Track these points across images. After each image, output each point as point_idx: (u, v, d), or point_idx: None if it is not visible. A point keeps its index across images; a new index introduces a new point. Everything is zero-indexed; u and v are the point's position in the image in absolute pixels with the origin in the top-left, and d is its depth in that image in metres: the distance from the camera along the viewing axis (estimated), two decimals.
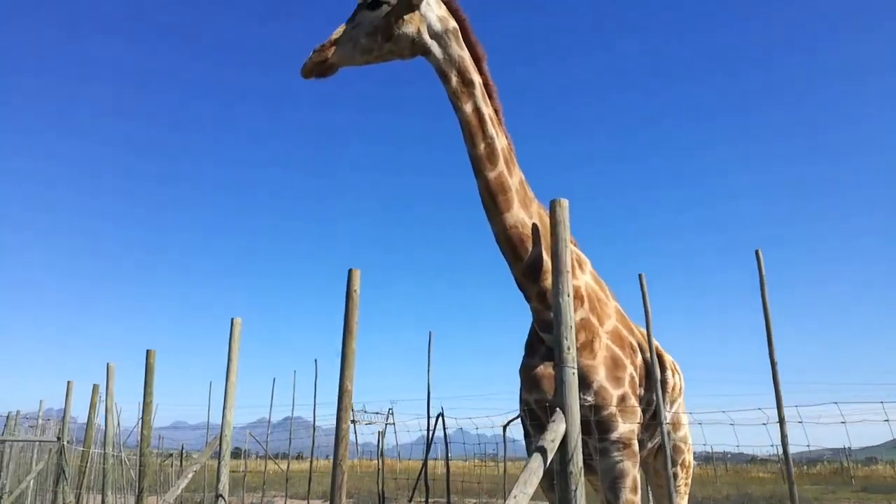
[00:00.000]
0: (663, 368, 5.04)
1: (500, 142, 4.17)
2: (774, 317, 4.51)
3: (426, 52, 4.13)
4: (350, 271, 5.82)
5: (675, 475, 5.35)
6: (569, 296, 3.84)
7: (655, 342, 5.13)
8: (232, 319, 7.60)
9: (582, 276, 4.41)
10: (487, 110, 4.15)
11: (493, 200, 4.09)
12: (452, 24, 4.19)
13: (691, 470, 5.51)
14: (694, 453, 5.71)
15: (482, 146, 4.09)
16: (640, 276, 4.34)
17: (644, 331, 5.06)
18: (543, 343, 4.35)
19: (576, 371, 3.75)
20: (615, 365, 4.30)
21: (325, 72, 4.10)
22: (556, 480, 3.94)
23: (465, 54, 4.17)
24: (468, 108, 4.10)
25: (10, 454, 22.45)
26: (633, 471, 4.18)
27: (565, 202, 3.99)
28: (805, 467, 44.98)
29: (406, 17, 4.07)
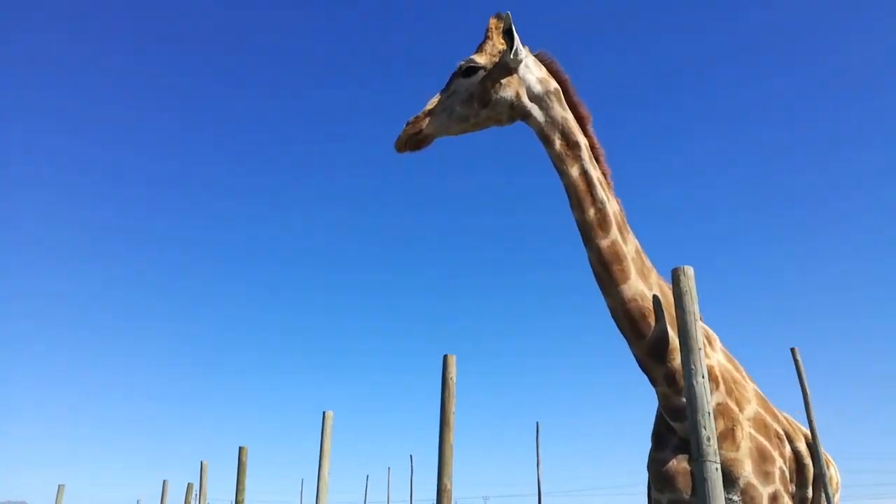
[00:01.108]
0: (816, 460, 4.31)
1: (612, 206, 3.83)
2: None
3: (526, 115, 3.92)
4: (445, 357, 5.48)
5: None
6: (703, 377, 3.33)
7: (804, 428, 4.45)
8: (324, 413, 7.34)
9: (714, 355, 3.87)
10: (595, 173, 3.85)
11: (607, 271, 3.69)
12: (553, 85, 3.98)
13: None
14: None
15: (592, 212, 3.76)
16: (792, 350, 3.76)
17: (788, 416, 4.38)
18: (674, 433, 3.79)
19: (719, 466, 3.19)
20: (762, 457, 3.68)
21: (420, 143, 3.97)
22: None
23: (569, 115, 3.93)
24: (574, 171, 3.82)
25: None
26: None
27: (690, 270, 3.55)
28: None
29: (504, 81, 3.90)
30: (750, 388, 4.04)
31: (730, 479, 3.53)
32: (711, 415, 3.26)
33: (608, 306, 3.74)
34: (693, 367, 3.35)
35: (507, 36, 3.99)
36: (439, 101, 3.99)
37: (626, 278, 3.67)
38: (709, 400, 3.29)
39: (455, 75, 4.03)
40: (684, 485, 3.58)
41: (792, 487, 3.92)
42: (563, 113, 3.91)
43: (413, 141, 3.95)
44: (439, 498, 4.98)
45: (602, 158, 3.96)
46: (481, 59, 4.00)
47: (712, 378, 3.68)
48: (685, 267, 3.55)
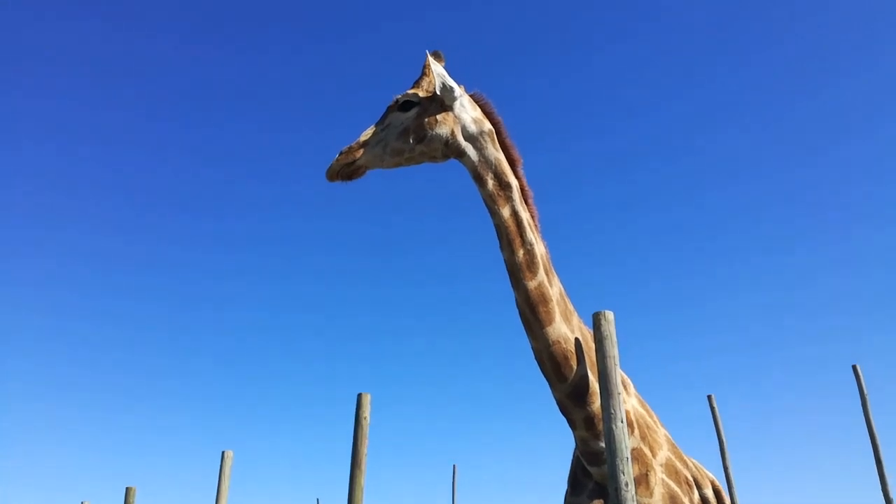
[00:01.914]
0: None
1: (540, 248, 3.87)
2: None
3: (460, 154, 3.93)
4: (359, 395, 5.33)
5: None
6: (622, 422, 3.37)
7: (710, 475, 4.57)
8: (223, 452, 6.99)
9: (629, 400, 3.93)
10: (525, 215, 3.89)
11: (533, 313, 3.70)
12: (488, 126, 4.01)
13: None
14: None
15: (521, 253, 3.78)
16: (709, 397, 3.86)
17: (696, 462, 4.50)
18: (590, 478, 3.80)
19: None
20: None
21: (353, 174, 3.93)
22: None
23: (502, 156, 3.97)
24: (505, 212, 3.84)
25: None
26: None
27: (611, 315, 3.62)
28: None
29: (439, 118, 3.91)
30: (661, 433, 4.13)
31: None
32: (630, 460, 3.29)
33: (532, 348, 3.74)
34: (612, 411, 3.38)
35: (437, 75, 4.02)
36: (374, 133, 3.97)
37: (551, 321, 3.69)
38: (627, 445, 3.33)
39: (391, 108, 4.02)
40: None
41: None
42: (496, 154, 3.95)
43: (346, 171, 3.91)
44: None
45: (531, 199, 4.00)
46: (418, 94, 4.02)
47: (628, 423, 3.73)
48: (606, 312, 3.61)
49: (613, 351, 3.53)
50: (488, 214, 3.89)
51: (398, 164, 4.00)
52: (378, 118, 4.07)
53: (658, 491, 3.70)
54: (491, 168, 3.91)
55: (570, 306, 3.91)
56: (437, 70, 4.03)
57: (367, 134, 3.99)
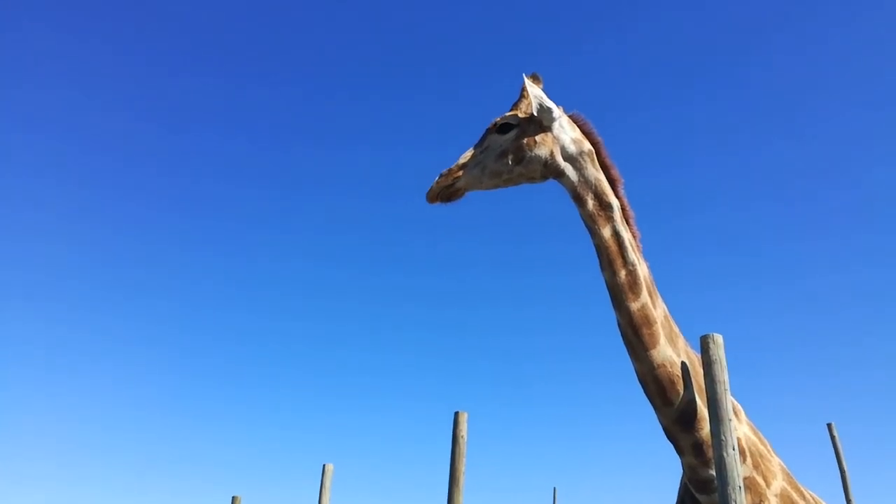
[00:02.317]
0: None
1: (642, 269, 3.81)
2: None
3: (559, 174, 3.95)
4: (456, 414, 5.39)
5: None
6: (734, 449, 3.27)
7: None
8: (324, 465, 7.21)
9: (740, 427, 3.78)
10: (627, 235, 3.85)
11: (636, 335, 3.65)
12: (587, 146, 4.01)
13: None
14: None
15: (623, 273, 3.74)
16: (829, 425, 3.69)
17: (814, 494, 4.28)
18: None
19: None
20: None
21: (452, 196, 4.00)
22: None
23: (601, 176, 3.96)
24: (606, 232, 3.82)
25: None
26: None
27: (720, 338, 3.52)
28: None
29: (538, 139, 3.94)
30: (776, 462, 3.96)
31: None
32: (742, 489, 3.18)
33: (636, 371, 3.69)
34: (723, 438, 3.28)
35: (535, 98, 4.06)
36: (473, 156, 4.03)
37: (655, 343, 3.63)
38: (739, 473, 3.22)
39: (489, 131, 4.08)
40: None
41: None
42: (596, 174, 3.94)
43: (445, 193, 3.98)
44: None
45: (632, 221, 3.96)
46: (517, 116, 4.06)
47: (739, 451, 3.60)
48: (714, 335, 3.52)
49: (723, 376, 3.43)
50: (589, 235, 3.88)
51: (496, 186, 4.05)
52: (476, 141, 4.13)
53: None
54: (591, 188, 3.90)
55: (676, 329, 3.82)
56: (535, 92, 4.05)
57: (465, 157, 4.05)
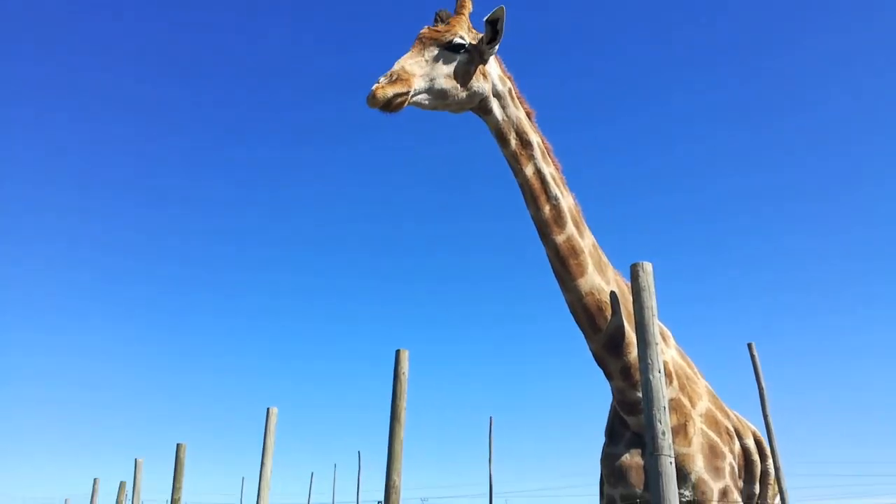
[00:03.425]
0: (763, 456, 4.40)
1: (567, 201, 3.83)
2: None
3: (487, 112, 3.83)
4: (398, 352, 5.40)
5: None
6: (660, 372, 3.35)
7: (751, 425, 4.52)
8: (267, 409, 7.16)
9: (668, 351, 3.90)
10: (549, 169, 3.84)
11: (564, 266, 3.68)
12: (509, 83, 3.93)
13: None
14: None
15: (547, 208, 3.74)
16: (749, 345, 3.82)
17: (738, 414, 4.46)
18: (628, 428, 3.80)
19: (673, 460, 3.21)
20: (713, 453, 3.72)
21: (399, 106, 3.59)
22: None
23: (522, 114, 3.89)
24: (529, 170, 3.78)
25: None
26: None
27: (649, 266, 3.56)
28: None
29: (483, 70, 3.79)
30: (701, 384, 4.10)
31: (682, 475, 3.55)
32: (667, 409, 3.27)
33: (566, 300, 3.73)
34: (650, 361, 3.36)
35: (490, 26, 3.76)
36: (422, 67, 3.64)
37: (582, 272, 3.67)
38: (664, 394, 3.31)
39: (438, 43, 3.70)
40: (637, 480, 3.60)
41: (740, 483, 3.99)
42: (517, 112, 3.86)
43: (394, 102, 3.52)
44: (387, 494, 4.88)
45: (551, 153, 3.93)
46: (467, 37, 3.76)
47: (666, 374, 3.71)
48: (644, 263, 3.56)
49: (651, 301, 3.49)
50: (512, 174, 3.84)
51: (435, 108, 3.77)
52: (410, 47, 3.73)
53: (697, 441, 3.68)
54: (513, 126, 3.82)
55: (605, 259, 3.87)
56: (492, 20, 3.74)
57: (414, 64, 3.63)
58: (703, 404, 3.92)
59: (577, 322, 3.73)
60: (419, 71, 3.62)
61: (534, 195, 3.76)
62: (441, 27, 3.76)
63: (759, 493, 4.29)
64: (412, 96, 3.55)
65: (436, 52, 3.69)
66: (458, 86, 3.70)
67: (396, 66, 3.57)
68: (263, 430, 7.07)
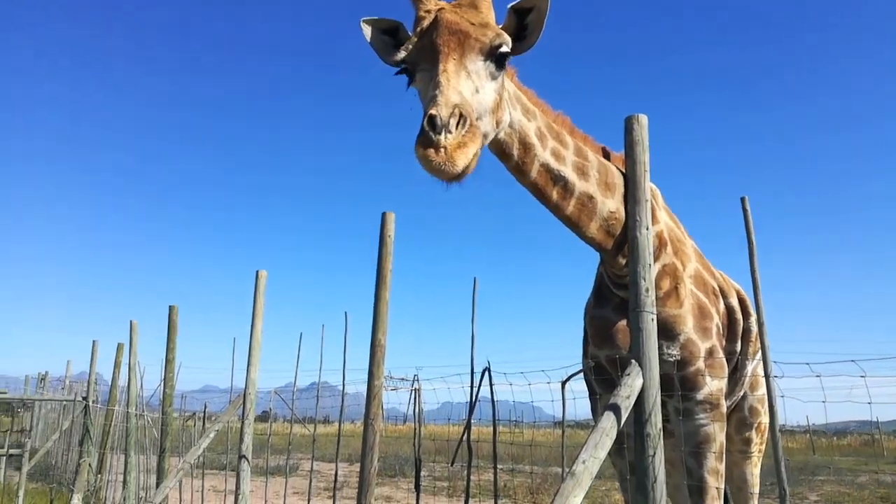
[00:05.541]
0: (746, 315, 4.43)
1: (568, 160, 3.33)
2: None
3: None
4: (384, 215, 5.31)
5: (750, 440, 4.78)
6: (648, 229, 3.26)
7: (735, 284, 4.54)
8: (257, 272, 7.18)
9: (660, 215, 3.77)
10: (549, 147, 3.26)
11: (576, 226, 3.40)
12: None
13: (766, 435, 4.93)
14: None
15: (555, 194, 3.31)
16: (742, 199, 3.71)
17: (722, 273, 4.45)
18: (615, 294, 3.76)
19: (655, 317, 3.18)
20: (702, 314, 3.73)
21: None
22: (627, 444, 3.41)
23: (519, 112, 3.17)
24: (533, 172, 3.23)
25: (39, 414, 22.70)
26: (720, 435, 3.63)
27: (644, 118, 3.38)
28: (835, 438, 44.30)
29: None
30: (689, 244, 4.04)
31: (672, 335, 3.56)
32: (652, 266, 3.21)
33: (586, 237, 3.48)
34: (638, 218, 3.26)
35: (517, 16, 2.79)
36: (472, 93, 2.63)
37: (592, 216, 3.38)
38: (651, 252, 3.24)
39: (477, 44, 2.66)
40: (624, 342, 3.61)
41: (724, 342, 4.03)
42: (517, 113, 3.17)
43: (472, 168, 2.54)
44: (373, 351, 4.96)
45: (535, 98, 3.37)
46: (507, 40, 2.76)
47: (661, 241, 3.63)
48: (639, 115, 3.37)
49: (644, 157, 3.34)
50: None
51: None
52: (440, 46, 2.62)
53: (688, 302, 3.67)
54: (517, 136, 3.13)
55: (612, 178, 3.50)
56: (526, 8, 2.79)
57: (469, 95, 2.57)
58: (692, 265, 3.88)
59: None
60: (475, 105, 2.60)
61: (542, 192, 3.29)
62: (465, 10, 2.72)
63: (741, 351, 4.37)
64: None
65: (479, 63, 2.69)
66: (495, 123, 2.82)
67: (453, 95, 2.44)
68: (254, 293, 7.12)
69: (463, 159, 2.37)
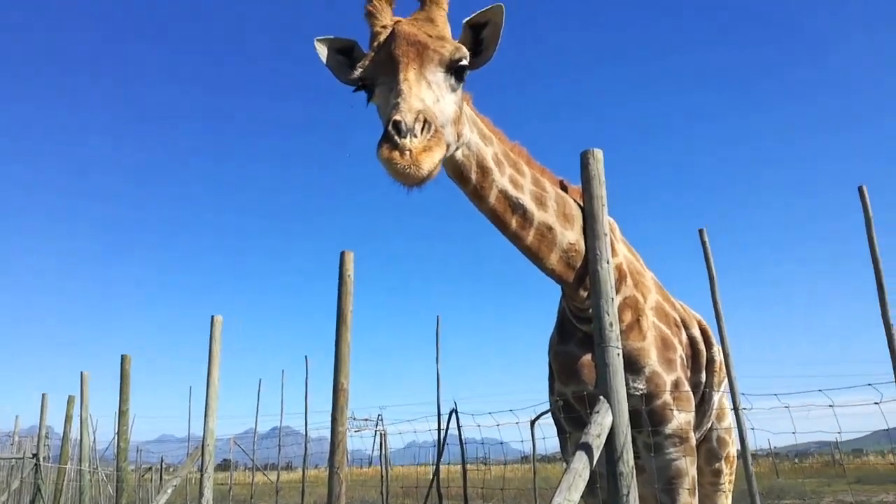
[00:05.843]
0: (709, 345, 4.42)
1: (526, 189, 3.30)
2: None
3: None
4: (343, 253, 5.21)
5: (720, 471, 4.74)
6: (608, 263, 3.24)
7: (696, 314, 4.54)
8: (212, 317, 6.97)
9: (619, 248, 3.75)
10: (506, 175, 3.24)
11: (536, 257, 3.36)
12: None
13: (734, 465, 4.91)
14: None
15: (514, 223, 3.27)
16: (700, 231, 3.72)
17: (682, 303, 4.45)
18: (577, 329, 3.73)
19: (621, 352, 3.15)
20: (665, 346, 3.70)
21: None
22: (599, 484, 3.34)
23: (476, 135, 3.17)
24: (492, 197, 3.20)
25: None
26: (691, 469, 3.57)
27: (599, 153, 3.39)
28: (796, 460, 44.72)
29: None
30: (648, 276, 4.04)
31: (636, 368, 3.53)
32: (615, 300, 3.19)
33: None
34: (598, 252, 3.25)
35: (472, 32, 2.85)
36: (433, 102, 2.63)
37: (552, 247, 3.36)
38: (612, 286, 3.22)
39: (436, 56, 2.68)
40: (590, 377, 3.56)
41: (688, 373, 4.01)
42: (473, 136, 3.16)
43: (435, 174, 2.55)
44: (335, 396, 4.82)
45: (490, 125, 3.37)
46: (466, 54, 2.79)
47: (621, 274, 3.61)
48: (594, 150, 3.39)
49: (601, 191, 3.34)
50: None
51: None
52: (398, 56, 2.62)
53: (651, 335, 3.65)
54: (475, 159, 3.12)
55: (569, 209, 3.47)
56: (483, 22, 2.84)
57: (430, 102, 2.57)
58: (653, 297, 3.87)
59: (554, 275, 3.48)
60: (437, 113, 2.59)
61: (500, 219, 3.25)
62: (422, 24, 2.77)
63: (706, 382, 4.35)
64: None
65: (440, 74, 2.71)
66: (456, 135, 2.84)
67: (416, 101, 2.46)
68: (209, 339, 6.91)
69: (428, 163, 2.37)
